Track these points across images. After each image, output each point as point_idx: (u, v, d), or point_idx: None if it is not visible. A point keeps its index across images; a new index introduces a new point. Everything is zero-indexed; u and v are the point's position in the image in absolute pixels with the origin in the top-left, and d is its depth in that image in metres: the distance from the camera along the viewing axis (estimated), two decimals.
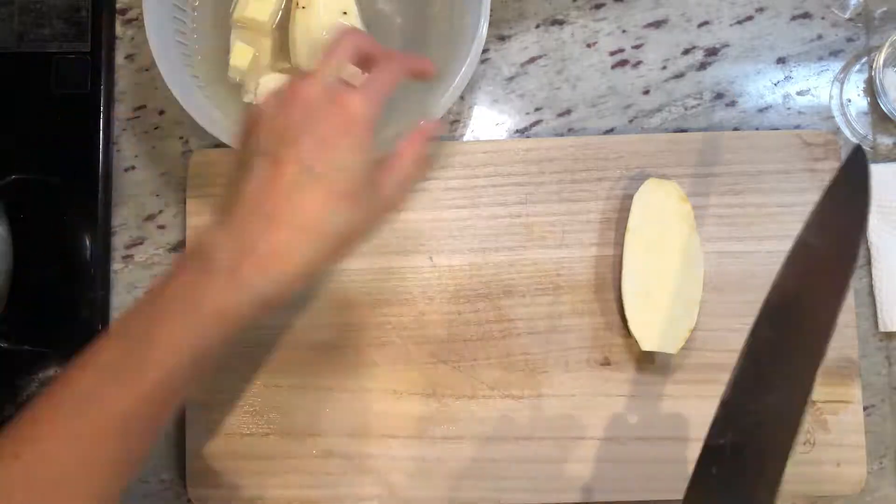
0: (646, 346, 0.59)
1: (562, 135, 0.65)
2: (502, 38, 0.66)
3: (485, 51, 0.65)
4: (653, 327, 0.59)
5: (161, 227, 0.65)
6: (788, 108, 0.65)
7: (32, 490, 0.41)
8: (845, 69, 0.65)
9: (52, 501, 0.41)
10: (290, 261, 0.42)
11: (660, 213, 0.60)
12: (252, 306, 0.42)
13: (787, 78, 0.65)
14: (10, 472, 0.41)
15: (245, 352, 0.61)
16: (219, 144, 0.64)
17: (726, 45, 0.65)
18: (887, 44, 0.62)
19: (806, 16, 0.65)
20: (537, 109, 0.65)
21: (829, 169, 0.62)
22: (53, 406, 0.43)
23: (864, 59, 0.65)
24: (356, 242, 0.45)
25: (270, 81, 0.59)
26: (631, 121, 0.65)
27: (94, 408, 0.42)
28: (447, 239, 0.63)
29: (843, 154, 0.63)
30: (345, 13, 0.57)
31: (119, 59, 0.66)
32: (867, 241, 0.63)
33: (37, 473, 0.41)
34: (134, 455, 0.44)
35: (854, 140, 0.64)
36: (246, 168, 0.43)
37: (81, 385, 0.43)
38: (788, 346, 0.42)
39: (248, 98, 0.60)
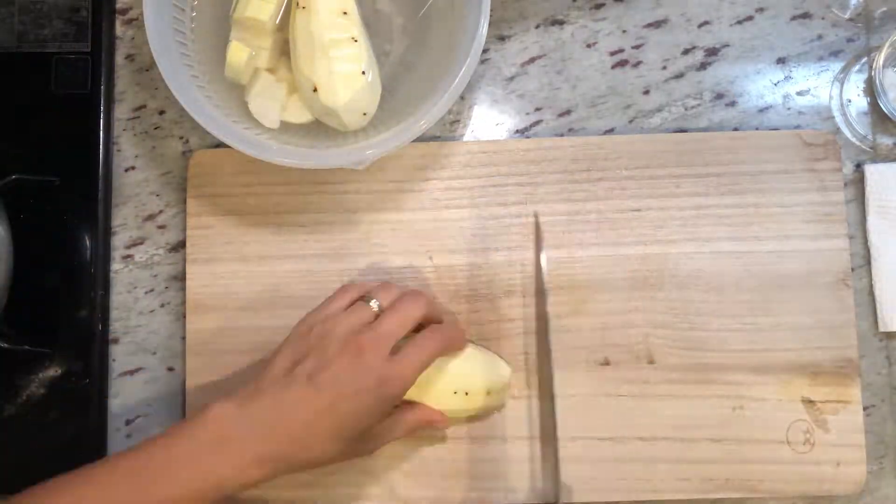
0: None
1: (562, 135, 0.65)
2: (502, 38, 0.66)
3: (485, 51, 0.65)
4: None
5: (161, 227, 0.65)
6: (788, 108, 0.65)
7: None
8: (845, 69, 0.65)
9: None
10: (300, 459, 0.49)
11: None
12: (242, 487, 0.48)
13: (787, 78, 0.65)
14: None
15: (246, 353, 0.61)
16: (219, 144, 0.64)
17: (726, 45, 0.65)
18: (887, 44, 0.62)
19: (806, 16, 0.65)
20: (537, 109, 0.65)
21: (829, 169, 0.62)
22: None
23: (864, 59, 0.65)
24: (365, 452, 0.53)
25: (262, 88, 0.59)
26: (631, 121, 0.65)
27: None
28: (447, 239, 0.63)
29: (843, 154, 0.63)
30: (345, 13, 0.57)
31: (119, 59, 0.66)
32: (867, 241, 0.63)
33: None
34: None
35: (854, 140, 0.64)
36: (285, 366, 0.50)
37: None
38: None
39: (248, 99, 0.60)
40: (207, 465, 0.46)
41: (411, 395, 0.54)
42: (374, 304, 0.53)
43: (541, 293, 0.60)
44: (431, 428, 0.57)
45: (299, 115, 0.60)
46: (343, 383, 0.48)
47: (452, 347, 0.56)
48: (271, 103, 0.59)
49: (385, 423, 0.53)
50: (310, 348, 0.50)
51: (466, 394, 0.57)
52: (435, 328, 0.54)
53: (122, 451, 0.48)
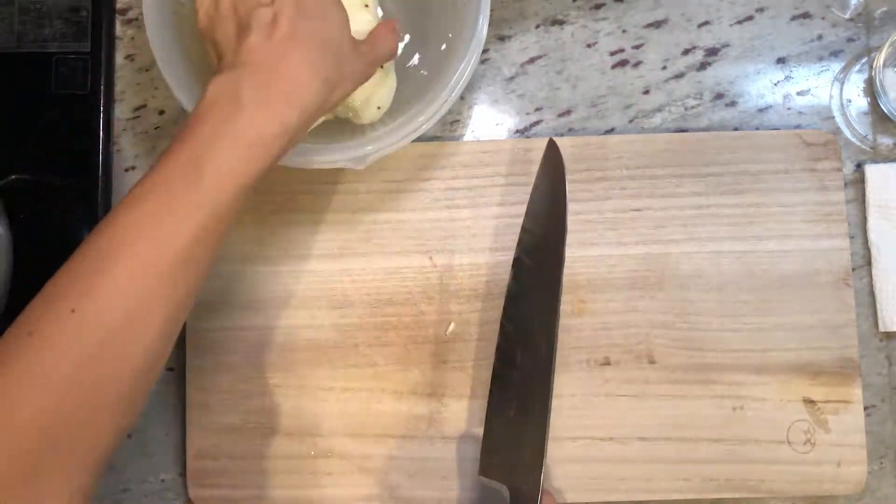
0: None
1: (562, 135, 0.65)
2: (502, 38, 0.66)
3: (485, 51, 0.65)
4: None
5: None
6: (788, 109, 0.65)
7: (90, 341, 0.40)
8: (845, 69, 0.65)
9: (113, 349, 0.41)
10: (308, 90, 0.46)
11: None
12: (283, 136, 0.45)
13: (787, 78, 0.65)
14: (66, 328, 0.40)
15: (246, 352, 0.61)
16: None
17: (726, 45, 0.65)
18: (887, 44, 0.62)
19: (806, 16, 0.66)
20: (537, 109, 0.65)
21: (829, 169, 0.62)
22: (110, 247, 0.42)
23: (864, 60, 0.65)
24: (339, 93, 0.49)
25: None
26: (631, 121, 0.65)
27: (153, 245, 0.42)
28: (447, 239, 0.63)
29: (844, 154, 0.63)
30: (366, 5, 0.57)
31: (119, 59, 0.66)
32: (868, 241, 0.63)
33: (100, 320, 0.40)
34: (191, 292, 0.44)
35: (854, 140, 0.64)
36: (245, 17, 0.47)
37: (137, 224, 0.42)
38: (534, 286, 0.57)
39: None
40: (246, 126, 0.44)
41: None
42: None
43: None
44: (389, 46, 0.54)
45: None
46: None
47: None
48: None
49: (350, 61, 0.49)
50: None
51: (366, 6, 0.55)
52: None
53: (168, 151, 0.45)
